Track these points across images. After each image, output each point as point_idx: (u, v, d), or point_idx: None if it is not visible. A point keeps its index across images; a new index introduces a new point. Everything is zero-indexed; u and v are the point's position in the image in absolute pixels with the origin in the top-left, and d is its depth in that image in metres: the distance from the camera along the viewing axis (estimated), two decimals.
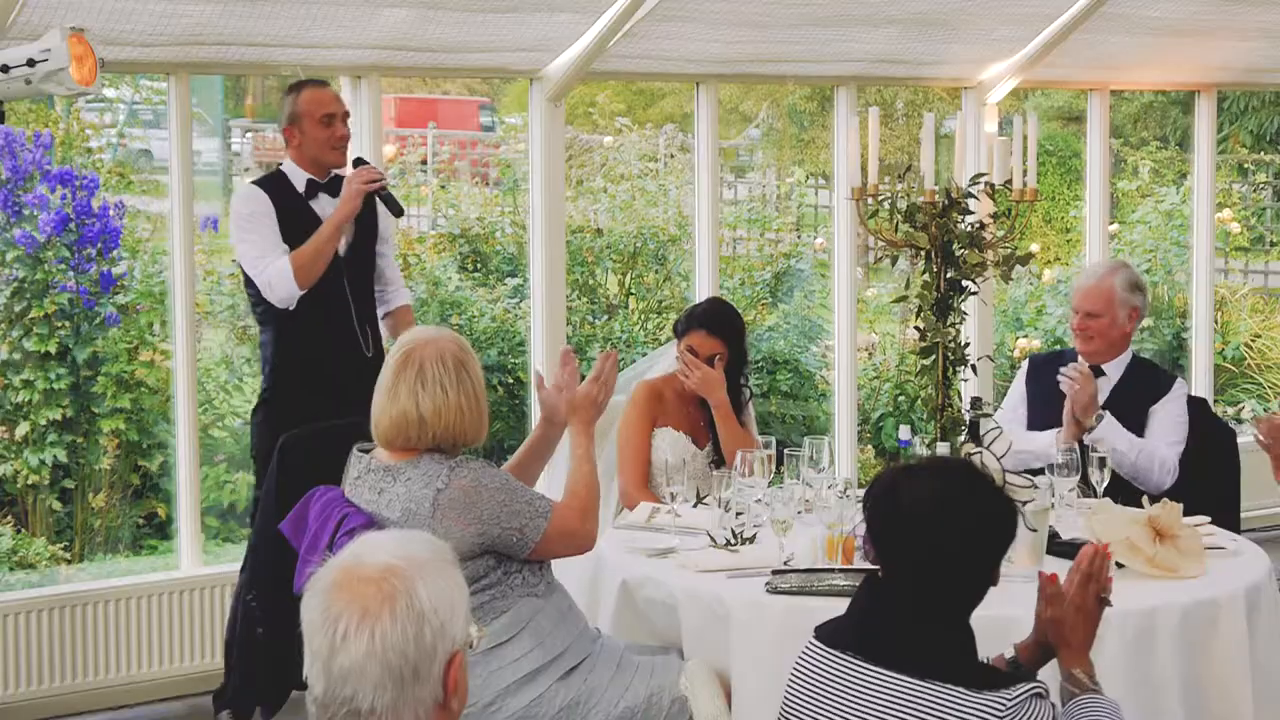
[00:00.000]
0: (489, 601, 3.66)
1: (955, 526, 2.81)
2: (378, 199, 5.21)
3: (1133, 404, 5.13)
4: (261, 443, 5.15)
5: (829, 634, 2.92)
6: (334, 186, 5.22)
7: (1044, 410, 5.21)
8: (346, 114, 5.25)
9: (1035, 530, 3.90)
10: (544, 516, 3.67)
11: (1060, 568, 4.05)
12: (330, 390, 5.04)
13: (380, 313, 5.40)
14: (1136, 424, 5.08)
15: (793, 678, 2.93)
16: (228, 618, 5.19)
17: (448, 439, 3.64)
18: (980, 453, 4.01)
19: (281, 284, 5.04)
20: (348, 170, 5.24)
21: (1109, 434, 4.90)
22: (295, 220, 5.12)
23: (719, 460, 4.97)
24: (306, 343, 5.14)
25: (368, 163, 5.29)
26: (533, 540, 3.66)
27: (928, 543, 2.80)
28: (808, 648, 2.93)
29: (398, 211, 5.27)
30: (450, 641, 2.11)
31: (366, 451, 3.78)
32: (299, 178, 5.21)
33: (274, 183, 5.22)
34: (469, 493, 3.58)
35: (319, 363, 5.13)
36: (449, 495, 3.57)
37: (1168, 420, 5.12)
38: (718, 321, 5.03)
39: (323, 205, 5.19)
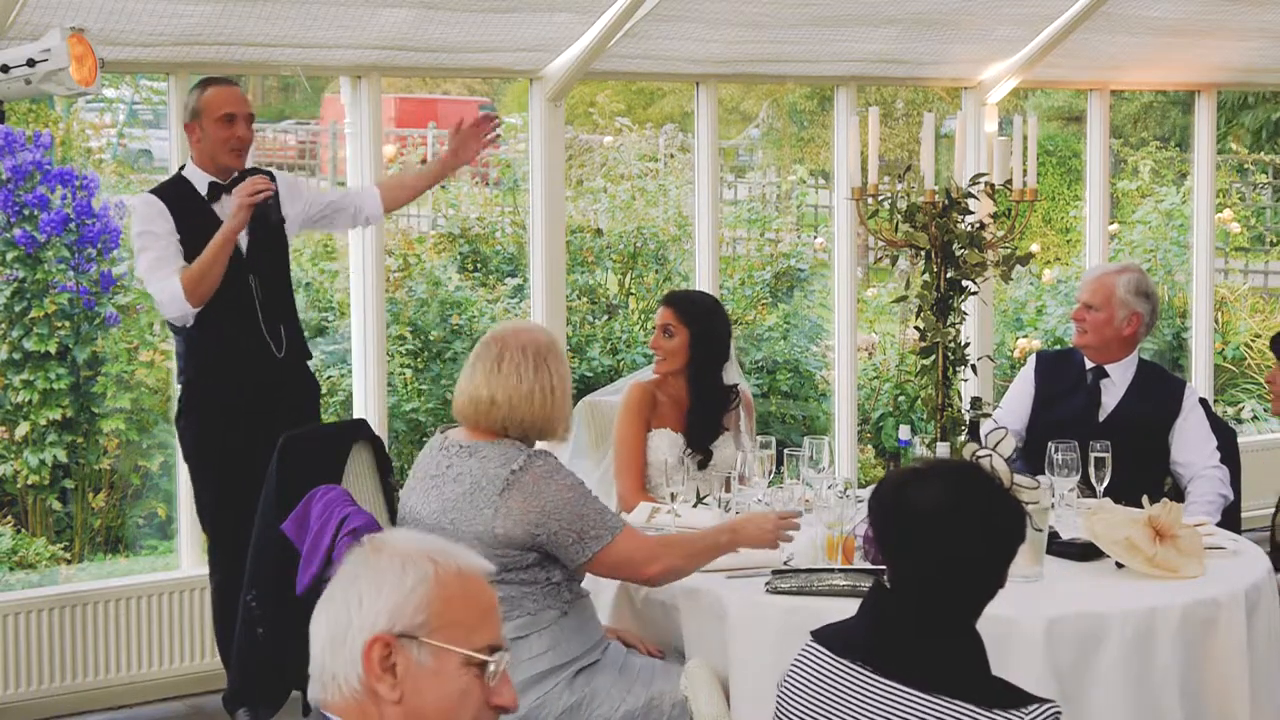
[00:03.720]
0: (517, 599, 3.67)
1: (965, 530, 2.78)
2: (266, 206, 4.97)
3: (1143, 416, 5.11)
4: (187, 449, 5.13)
5: (833, 640, 2.88)
6: (237, 185, 5.02)
7: (1049, 410, 5.19)
8: (251, 116, 5.04)
9: (1040, 530, 3.90)
10: (611, 531, 3.69)
11: (1060, 568, 4.08)
12: (243, 393, 4.99)
13: (360, 217, 5.35)
14: (1145, 434, 5.05)
15: (791, 681, 2.90)
16: (215, 618, 5.20)
17: (516, 424, 3.70)
18: (989, 455, 4.00)
19: (171, 301, 4.92)
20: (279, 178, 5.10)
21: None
22: (198, 226, 4.95)
23: (704, 460, 4.96)
24: (216, 348, 5.01)
25: (261, 172, 5.04)
26: (592, 550, 3.66)
27: (937, 547, 2.78)
28: (807, 651, 2.90)
29: (277, 216, 5.01)
30: (368, 621, 2.13)
31: (444, 433, 3.85)
32: (200, 180, 5.02)
33: (174, 189, 5.03)
34: (539, 481, 3.63)
35: (229, 367, 5.02)
36: (522, 478, 3.63)
37: (1196, 439, 5.08)
38: (680, 299, 5.08)
39: (224, 208, 4.99)
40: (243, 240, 5.01)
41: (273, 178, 5.06)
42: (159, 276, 4.94)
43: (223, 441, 5.00)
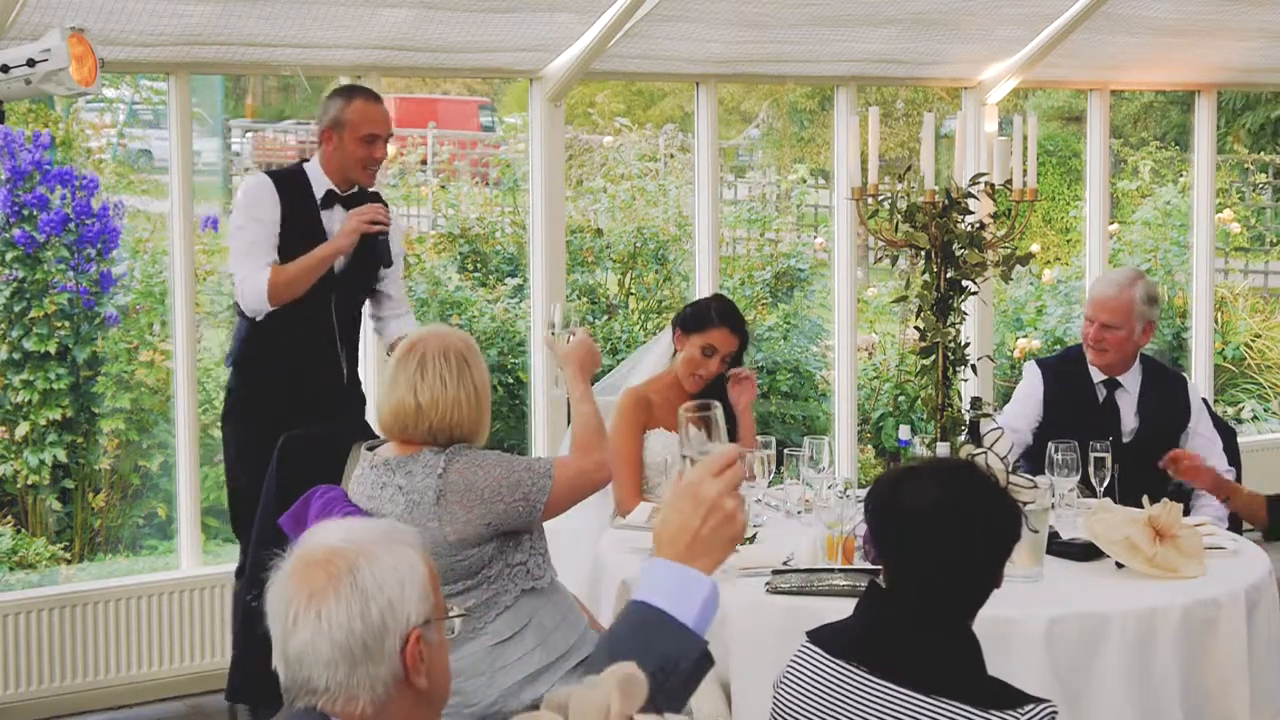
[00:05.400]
0: (492, 597, 3.67)
1: (961, 529, 2.78)
2: (376, 240, 4.99)
3: (1161, 429, 5.11)
4: (234, 454, 5.03)
5: (829, 641, 2.88)
6: (352, 201, 5.02)
7: (1061, 415, 5.15)
8: (390, 136, 5.04)
9: (1036, 531, 3.90)
10: (547, 476, 3.68)
11: (1060, 568, 4.08)
12: (300, 405, 4.89)
13: (383, 334, 5.25)
14: (1160, 443, 5.04)
15: (788, 682, 2.90)
16: (234, 613, 5.16)
17: (444, 430, 3.66)
18: (984, 453, 4.00)
19: (253, 295, 4.86)
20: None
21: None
22: (301, 227, 4.93)
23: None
24: (281, 348, 4.96)
25: (383, 201, 5.07)
26: (540, 503, 3.66)
27: (933, 546, 2.78)
28: (803, 652, 2.90)
29: (387, 262, 5.04)
30: (403, 619, 2.16)
31: (373, 449, 3.80)
32: (320, 183, 5.00)
33: (291, 181, 5.00)
34: (466, 475, 3.61)
35: (291, 374, 4.96)
36: (449, 480, 3.60)
37: (1206, 445, 5.11)
38: (737, 319, 5.04)
39: (333, 218, 5.00)
40: (339, 260, 4.97)
41: (386, 205, 5.05)
42: (250, 264, 4.88)
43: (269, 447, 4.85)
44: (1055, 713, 2.69)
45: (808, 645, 2.90)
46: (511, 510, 3.63)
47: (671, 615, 2.04)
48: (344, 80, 5.90)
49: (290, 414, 4.84)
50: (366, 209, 4.95)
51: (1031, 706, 2.67)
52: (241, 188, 5.08)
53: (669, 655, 2.03)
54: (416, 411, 3.64)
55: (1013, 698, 2.71)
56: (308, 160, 5.08)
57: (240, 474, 5.07)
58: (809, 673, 2.85)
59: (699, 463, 2.13)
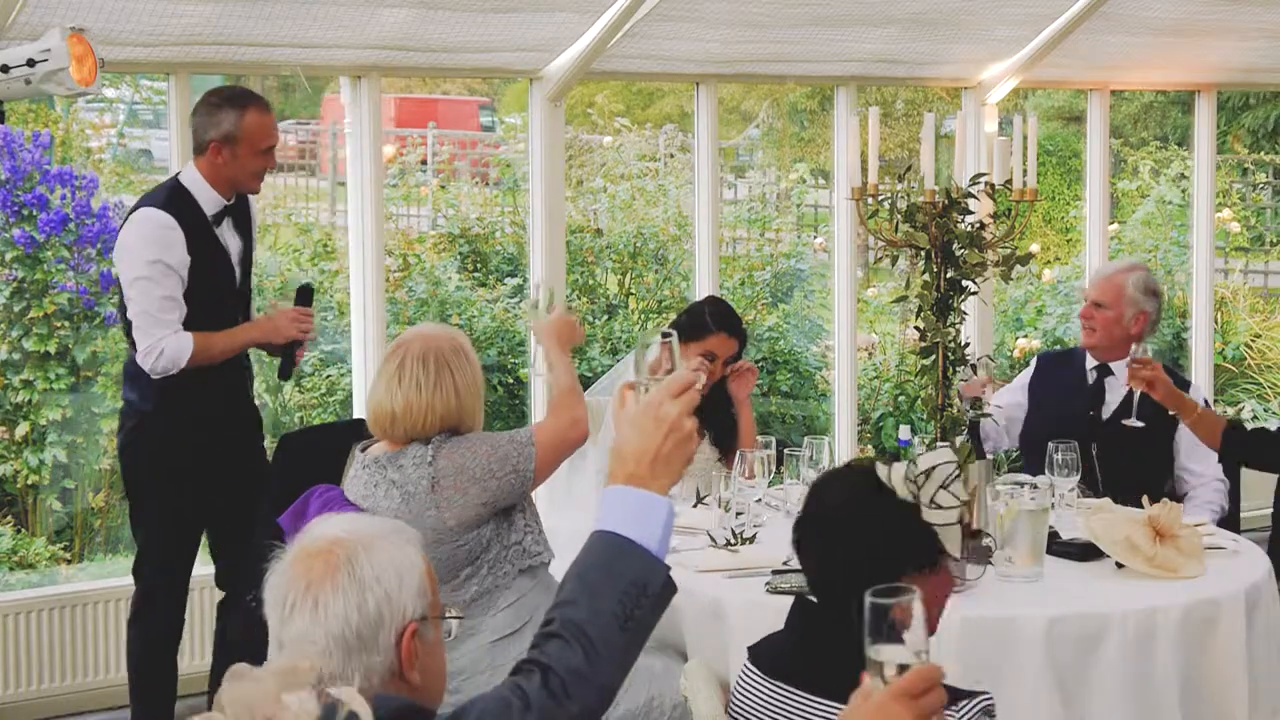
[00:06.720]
0: (494, 582, 3.69)
1: (861, 535, 2.79)
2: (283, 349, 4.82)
3: (1154, 415, 5.10)
4: (137, 473, 4.80)
5: (763, 659, 2.88)
6: (236, 211, 4.81)
7: (1046, 411, 5.18)
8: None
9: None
10: (530, 443, 3.73)
11: (1060, 568, 4.07)
12: (212, 419, 4.74)
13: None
14: (1158, 433, 5.04)
15: (734, 704, 2.90)
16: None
17: (421, 434, 3.71)
18: (889, 467, 3.96)
19: (170, 359, 4.57)
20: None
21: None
22: (201, 250, 4.68)
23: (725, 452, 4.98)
24: (194, 376, 4.67)
25: (311, 301, 4.87)
26: (529, 471, 3.71)
27: (835, 550, 2.79)
28: (744, 672, 2.89)
29: (286, 375, 4.86)
30: (400, 612, 2.17)
31: (365, 449, 3.82)
32: (209, 200, 4.72)
33: (185, 208, 4.67)
34: (455, 458, 3.65)
35: (201, 394, 4.72)
36: (440, 467, 3.65)
37: (1205, 449, 5.10)
38: (734, 322, 5.05)
39: (224, 233, 4.77)
40: (237, 273, 4.84)
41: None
42: (164, 322, 4.59)
43: (176, 466, 4.74)
44: (990, 703, 2.68)
45: (748, 665, 2.90)
46: (505, 484, 3.68)
47: (635, 542, 2.13)
48: (344, 80, 5.91)
49: (198, 430, 4.72)
50: (301, 317, 4.77)
51: (965, 702, 2.67)
52: (134, 226, 4.63)
53: (637, 580, 2.13)
54: (393, 417, 3.70)
55: (949, 695, 2.71)
56: (180, 173, 4.79)
57: (140, 503, 4.85)
58: (751, 695, 2.86)
59: (659, 385, 2.22)
